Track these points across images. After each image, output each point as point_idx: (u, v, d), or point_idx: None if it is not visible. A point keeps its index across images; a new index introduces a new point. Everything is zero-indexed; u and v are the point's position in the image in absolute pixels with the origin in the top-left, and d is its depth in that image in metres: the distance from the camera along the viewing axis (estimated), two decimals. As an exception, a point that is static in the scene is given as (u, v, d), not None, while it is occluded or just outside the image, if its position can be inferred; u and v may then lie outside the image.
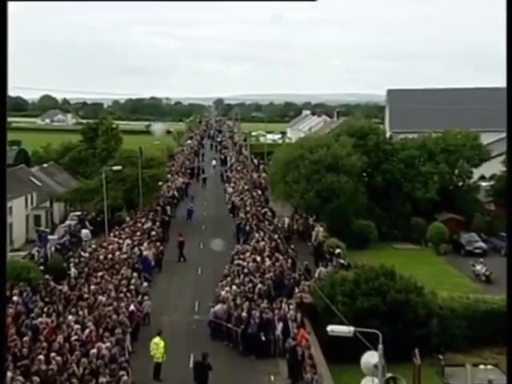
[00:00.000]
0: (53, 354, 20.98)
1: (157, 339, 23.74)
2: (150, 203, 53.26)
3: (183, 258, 41.33)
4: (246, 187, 60.67)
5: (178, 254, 41.39)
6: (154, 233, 42.95)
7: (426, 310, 27.34)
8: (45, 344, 21.95)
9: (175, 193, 61.66)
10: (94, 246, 39.52)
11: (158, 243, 40.52)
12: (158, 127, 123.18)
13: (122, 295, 28.51)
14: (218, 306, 27.87)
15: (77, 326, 23.77)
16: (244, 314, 26.40)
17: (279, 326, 25.81)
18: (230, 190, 62.42)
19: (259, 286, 29.88)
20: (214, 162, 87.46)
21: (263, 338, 25.54)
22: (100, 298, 27.58)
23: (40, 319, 24.57)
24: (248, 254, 35.64)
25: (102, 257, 35.57)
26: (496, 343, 26.93)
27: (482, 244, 44.04)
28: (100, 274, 31.74)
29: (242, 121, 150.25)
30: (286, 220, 46.80)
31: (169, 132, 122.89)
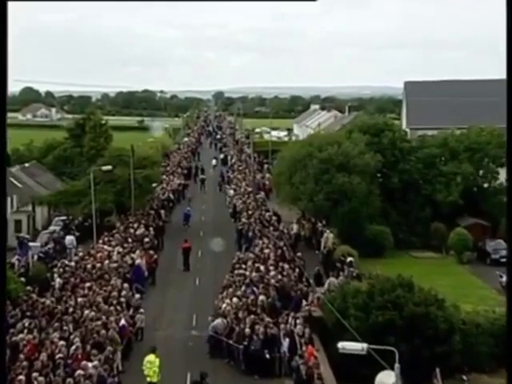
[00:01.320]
0: (35, 374, 20.97)
1: (150, 357, 23.70)
2: (143, 207, 53.23)
3: (187, 267, 41.32)
4: (249, 189, 60.62)
5: (180, 262, 41.46)
6: (147, 239, 42.89)
7: (447, 325, 27.23)
8: (26, 363, 21.93)
9: (170, 195, 61.63)
10: (80, 254, 39.47)
11: (152, 251, 40.47)
12: (156, 125, 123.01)
13: (111, 308, 28.45)
14: (218, 321, 27.83)
15: (61, 343, 23.75)
16: (246, 329, 26.34)
17: (285, 343, 25.74)
18: (231, 192, 62.40)
19: (263, 298, 29.82)
20: (213, 162, 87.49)
21: (267, 356, 25.50)
22: (87, 311, 27.54)
23: (21, 335, 24.57)
24: (251, 262, 35.59)
25: (89, 266, 35.53)
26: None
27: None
28: (87, 285, 31.71)
29: (244, 116, 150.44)
30: (295, 227, 46.64)
31: (164, 128, 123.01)
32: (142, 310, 29.92)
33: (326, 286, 32.86)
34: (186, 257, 41.57)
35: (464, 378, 26.26)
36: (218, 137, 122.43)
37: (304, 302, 29.35)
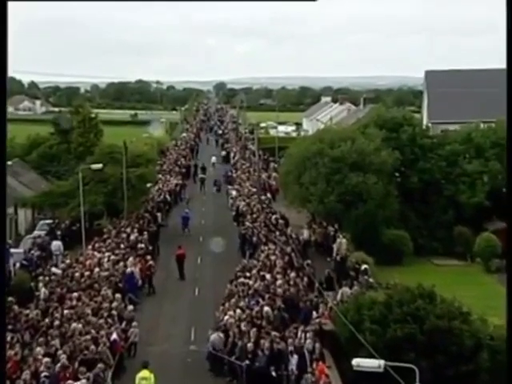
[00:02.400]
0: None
1: (144, 373, 23.72)
2: (137, 209, 53.26)
3: (182, 276, 41.49)
4: (253, 190, 60.61)
5: (175, 270, 41.52)
6: (141, 245, 42.93)
7: (473, 341, 27.11)
8: (7, 382, 21.90)
9: (167, 196, 61.67)
10: (68, 261, 39.50)
11: (147, 258, 40.51)
12: (155, 123, 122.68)
13: (102, 321, 28.46)
14: (219, 335, 27.83)
15: (46, 360, 23.74)
16: (250, 345, 26.35)
17: (293, 359, 25.73)
18: (233, 193, 62.41)
19: (268, 309, 29.78)
20: (213, 159, 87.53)
21: (274, 374, 25.46)
22: (75, 324, 27.53)
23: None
24: (255, 270, 35.60)
25: (77, 274, 35.56)
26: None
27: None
28: (75, 295, 31.71)
29: (248, 109, 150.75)
30: (305, 232, 46.53)
31: (154, 121, 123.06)
32: (135, 323, 29.91)
33: (338, 296, 32.83)
34: (181, 265, 41.66)
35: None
36: (220, 132, 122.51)
37: (314, 314, 29.30)
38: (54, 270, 37.67)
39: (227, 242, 48.32)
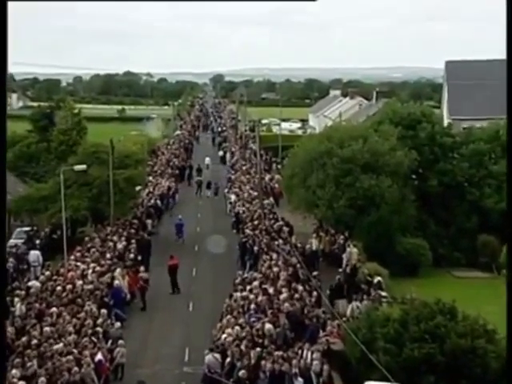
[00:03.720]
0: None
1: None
2: (125, 215, 53.29)
3: (177, 289, 41.51)
4: (254, 194, 60.62)
5: (167, 283, 41.48)
6: (129, 255, 42.93)
7: (499, 362, 27.03)
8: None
9: (158, 201, 61.70)
10: (47, 273, 39.42)
11: (140, 269, 40.53)
12: (152, 123, 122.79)
13: (85, 340, 28.42)
14: (216, 355, 27.78)
15: (22, 383, 23.66)
16: (250, 366, 26.29)
17: (298, 382, 25.66)
18: (232, 197, 62.46)
19: (271, 327, 29.78)
20: (207, 160, 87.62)
21: (277, 399, 25.41)
22: (55, 344, 27.49)
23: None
24: (256, 283, 35.57)
25: (58, 288, 35.49)
26: None
27: None
28: (56, 311, 31.68)
29: (248, 104, 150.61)
30: (314, 242, 46.47)
31: (150, 119, 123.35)
32: (122, 342, 29.87)
33: (348, 311, 32.84)
34: (173, 277, 41.65)
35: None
36: (217, 130, 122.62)
37: (322, 332, 29.27)
38: (31, 283, 37.63)
39: (225, 251, 48.32)
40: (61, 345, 27.47)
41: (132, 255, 43.19)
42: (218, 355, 27.76)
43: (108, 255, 42.30)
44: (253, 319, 30.98)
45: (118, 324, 32.06)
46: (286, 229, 49.19)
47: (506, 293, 17.20)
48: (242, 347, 27.79)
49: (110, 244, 45.10)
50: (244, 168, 76.71)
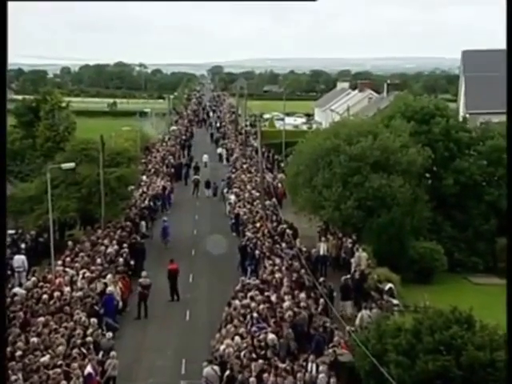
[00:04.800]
0: None
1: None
2: (117, 217, 53.28)
3: (176, 296, 41.58)
4: (256, 194, 60.62)
5: (165, 289, 41.51)
6: (121, 260, 42.98)
7: (520, 375, 27.12)
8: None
9: (152, 202, 61.73)
10: (33, 279, 39.48)
11: (143, 274, 40.57)
12: (146, 121, 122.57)
13: (74, 351, 28.46)
14: (208, 369, 27.81)
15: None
16: (252, 379, 26.34)
17: (303, 397, 25.72)
18: (232, 197, 62.47)
19: (274, 337, 29.82)
20: (205, 158, 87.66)
21: (280, 415, 25.47)
22: (42, 356, 27.50)
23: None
24: (258, 290, 35.61)
25: (45, 295, 35.54)
26: None
27: None
28: (42, 320, 31.70)
29: (250, 97, 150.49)
30: (323, 246, 46.44)
31: (144, 113, 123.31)
32: (114, 354, 29.88)
33: (357, 321, 32.86)
34: (173, 282, 41.68)
35: None
36: (216, 125, 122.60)
37: (328, 343, 29.30)
38: (16, 289, 37.67)
39: (224, 255, 48.34)
40: (48, 357, 27.49)
41: (124, 260, 43.22)
42: (216, 367, 27.79)
43: (98, 260, 42.26)
44: (254, 329, 31.00)
45: (110, 334, 32.04)
46: (289, 232, 49.16)
47: (506, 293, 17.21)
48: (243, 359, 27.84)
49: (101, 248, 45.08)
50: (244, 166, 76.66)
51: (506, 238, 41.76)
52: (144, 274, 40.47)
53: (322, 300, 34.63)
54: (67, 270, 40.00)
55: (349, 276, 40.56)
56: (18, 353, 27.89)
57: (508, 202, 20.13)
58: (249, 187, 64.91)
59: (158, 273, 43.33)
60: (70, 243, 46.23)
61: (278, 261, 40.91)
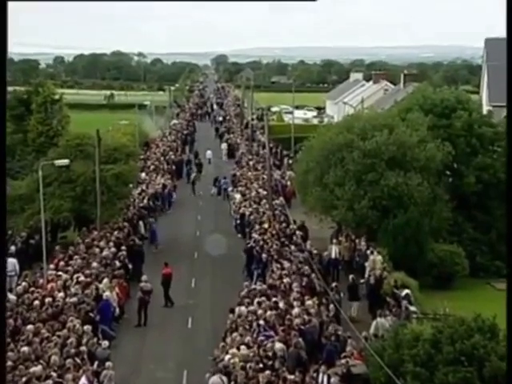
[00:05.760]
0: None
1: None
2: (114, 217, 53.27)
3: (170, 302, 41.55)
4: (263, 193, 60.59)
5: (161, 294, 41.57)
6: (118, 263, 42.98)
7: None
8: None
9: (151, 202, 61.73)
10: (24, 283, 39.53)
11: (143, 278, 40.59)
12: (145, 115, 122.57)
13: (68, 362, 28.44)
14: (215, 378, 27.83)
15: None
16: (259, 392, 26.29)
17: (314, 411, 25.71)
18: (237, 196, 62.46)
19: (282, 346, 29.78)
20: (208, 154, 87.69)
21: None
22: (33, 366, 27.48)
23: None
24: (265, 296, 35.58)
25: (36, 301, 35.57)
26: None
27: None
28: (33, 328, 31.71)
29: (256, 89, 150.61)
30: (335, 249, 46.40)
31: (143, 106, 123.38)
32: (110, 364, 29.87)
33: (372, 329, 32.82)
34: (166, 287, 41.74)
35: None
36: (220, 119, 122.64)
37: (341, 353, 29.27)
38: (6, 295, 37.70)
39: (229, 259, 48.33)
40: (39, 367, 27.49)
41: (121, 263, 43.21)
42: (223, 378, 27.71)
43: (94, 263, 42.28)
44: (261, 337, 30.99)
45: (106, 343, 32.03)
46: (299, 233, 49.20)
47: (506, 293, 17.24)
48: (249, 370, 27.82)
49: (97, 250, 45.10)
50: (251, 163, 76.65)
51: (506, 238, 41.69)
52: (144, 278, 40.50)
53: (332, 306, 34.66)
54: (60, 274, 40.02)
55: (363, 280, 40.59)
56: (8, 363, 27.87)
57: (507, 202, 20.15)
58: (255, 185, 64.88)
59: (157, 277, 43.27)
60: (57, 248, 45.72)
61: (286, 264, 40.87)
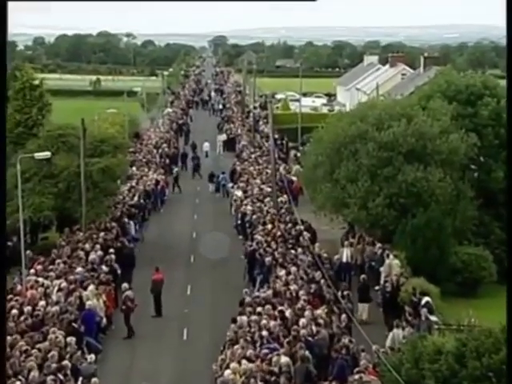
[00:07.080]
0: None
1: None
2: (100, 217, 53.29)
3: (158, 311, 41.62)
4: (267, 189, 60.59)
5: (151, 303, 41.58)
6: (106, 268, 42.99)
7: None
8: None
9: (142, 199, 61.73)
10: (1, 290, 39.64)
11: (125, 286, 40.60)
12: (136, 102, 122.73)
13: (49, 378, 28.46)
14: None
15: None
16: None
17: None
18: (238, 193, 62.46)
19: (288, 360, 29.81)
20: (206, 146, 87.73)
21: None
22: (11, 383, 27.48)
23: None
24: (269, 304, 35.61)
25: (14, 311, 35.61)
26: None
27: None
28: (10, 339, 31.75)
29: (259, 74, 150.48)
30: (346, 252, 46.39)
31: (133, 93, 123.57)
32: (96, 380, 29.90)
33: (388, 341, 32.83)
34: (157, 295, 41.78)
35: None
36: (219, 107, 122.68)
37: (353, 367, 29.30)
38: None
39: (229, 263, 48.35)
40: (18, 383, 27.50)
41: (108, 268, 43.20)
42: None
43: (78, 268, 42.28)
44: (265, 350, 31.00)
45: (92, 357, 32.09)
46: (307, 234, 49.20)
47: (506, 293, 17.27)
48: (251, 386, 27.87)
49: (81, 254, 45.11)
50: (253, 156, 76.65)
51: (506, 239, 41.77)
52: (125, 285, 40.26)
53: (344, 316, 34.65)
54: (40, 280, 40.03)
55: (378, 287, 40.60)
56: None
57: (507, 203, 20.20)
58: (258, 181, 64.86)
59: (149, 283, 43.30)
60: (28, 252, 44.82)
61: (292, 269, 40.86)
